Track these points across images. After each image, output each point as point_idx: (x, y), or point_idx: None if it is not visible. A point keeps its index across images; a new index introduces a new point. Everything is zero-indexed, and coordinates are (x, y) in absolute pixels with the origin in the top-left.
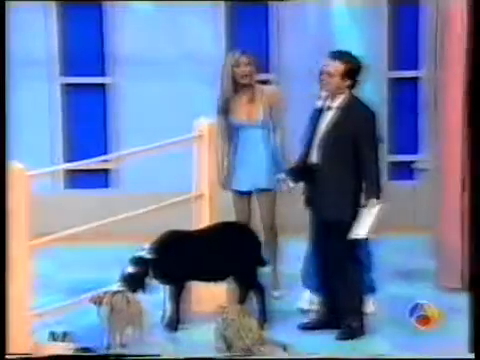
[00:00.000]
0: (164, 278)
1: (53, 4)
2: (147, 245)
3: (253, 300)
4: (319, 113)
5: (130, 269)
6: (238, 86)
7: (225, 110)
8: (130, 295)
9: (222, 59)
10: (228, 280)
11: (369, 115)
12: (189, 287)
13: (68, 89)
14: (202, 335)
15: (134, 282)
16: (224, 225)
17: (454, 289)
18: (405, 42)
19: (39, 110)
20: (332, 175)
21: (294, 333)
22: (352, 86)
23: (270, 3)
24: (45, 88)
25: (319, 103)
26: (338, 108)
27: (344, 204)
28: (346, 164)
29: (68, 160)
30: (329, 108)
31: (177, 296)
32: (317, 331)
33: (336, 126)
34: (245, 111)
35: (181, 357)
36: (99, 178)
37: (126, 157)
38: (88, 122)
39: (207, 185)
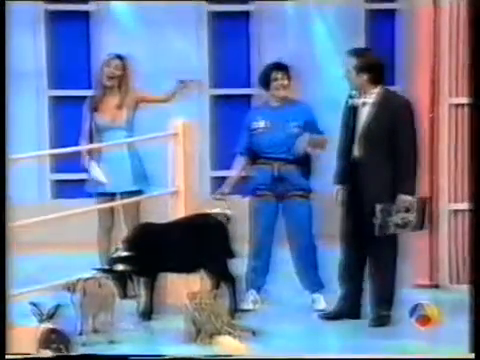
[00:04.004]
0: (137, 269)
1: (42, 19)
2: (120, 244)
3: (224, 290)
4: (354, 110)
5: (114, 269)
6: (106, 87)
7: (93, 109)
8: (102, 279)
9: (205, 72)
10: (200, 271)
11: (406, 108)
12: (164, 279)
13: (56, 102)
14: (174, 323)
15: (122, 280)
16: (194, 217)
17: (424, 286)
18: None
19: (27, 122)
20: (373, 170)
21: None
22: (375, 80)
23: (251, 19)
24: (33, 101)
25: (352, 101)
26: (374, 103)
27: (384, 197)
28: (387, 158)
29: (55, 171)
30: (364, 104)
31: (151, 286)
32: (338, 321)
33: (374, 121)
34: (112, 113)
35: (182, 356)
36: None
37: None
38: (75, 133)
39: (182, 182)
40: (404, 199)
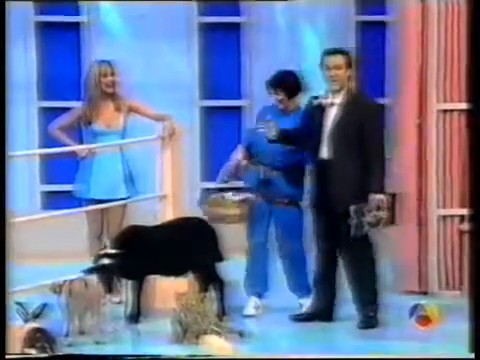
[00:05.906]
0: (125, 272)
1: (32, 30)
2: (108, 242)
3: (212, 293)
4: (321, 111)
5: (100, 264)
6: (104, 95)
7: (89, 118)
8: (89, 280)
9: (195, 85)
10: (188, 274)
11: (375, 109)
12: (152, 282)
13: (46, 113)
14: (162, 326)
15: (107, 275)
16: (183, 220)
17: (412, 292)
18: (372, 68)
19: (17, 133)
20: (343, 170)
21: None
22: (355, 78)
23: (242, 30)
24: (23, 112)
25: (319, 101)
26: (342, 104)
27: (354, 198)
28: (355, 158)
29: (45, 182)
30: (332, 104)
31: (138, 290)
32: (309, 322)
33: (343, 121)
34: (108, 117)
35: (183, 356)
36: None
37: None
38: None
39: (170, 186)
40: (376, 198)
